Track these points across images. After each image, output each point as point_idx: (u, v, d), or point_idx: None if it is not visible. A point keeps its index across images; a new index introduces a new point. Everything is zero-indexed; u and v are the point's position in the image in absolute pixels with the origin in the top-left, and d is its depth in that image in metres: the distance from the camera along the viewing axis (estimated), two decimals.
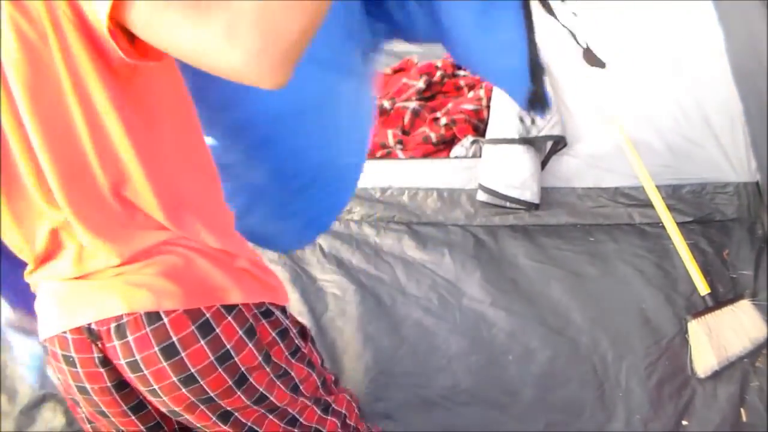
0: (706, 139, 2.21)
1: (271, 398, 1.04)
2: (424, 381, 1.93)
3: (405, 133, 2.83)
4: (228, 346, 0.97)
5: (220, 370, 0.97)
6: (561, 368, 1.89)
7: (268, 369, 1.02)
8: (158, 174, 0.92)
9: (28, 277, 1.01)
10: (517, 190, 2.33)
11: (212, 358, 0.96)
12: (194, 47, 0.73)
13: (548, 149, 2.33)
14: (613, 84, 2.24)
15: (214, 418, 1.01)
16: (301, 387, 1.08)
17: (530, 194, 2.33)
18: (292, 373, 1.06)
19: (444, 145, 2.68)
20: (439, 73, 3.16)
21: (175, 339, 0.94)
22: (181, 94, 0.97)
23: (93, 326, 0.94)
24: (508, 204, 2.35)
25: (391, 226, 2.47)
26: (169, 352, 0.94)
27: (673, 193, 2.24)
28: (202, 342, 0.95)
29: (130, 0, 0.73)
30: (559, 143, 2.30)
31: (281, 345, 1.05)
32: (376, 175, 2.53)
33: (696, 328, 1.79)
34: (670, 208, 2.06)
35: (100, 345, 0.96)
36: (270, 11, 0.72)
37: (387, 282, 2.28)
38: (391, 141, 2.70)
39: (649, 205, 2.11)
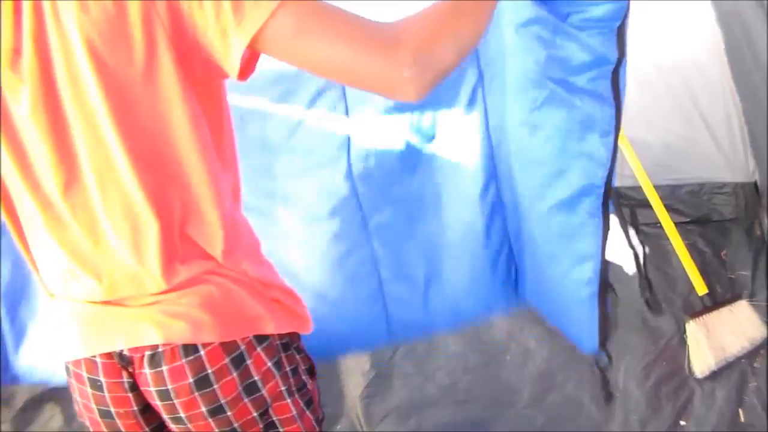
0: (704, 140, 2.21)
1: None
2: (422, 381, 1.93)
3: None
4: (256, 378, 0.96)
5: (246, 401, 0.95)
6: (558, 368, 1.89)
7: (289, 401, 1.01)
8: (221, 199, 0.90)
9: (50, 298, 0.98)
10: None
11: (240, 389, 0.94)
12: (348, 67, 0.76)
13: None
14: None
15: None
16: (308, 426, 1.07)
17: None
18: (296, 413, 1.05)
19: None
20: None
21: (210, 371, 0.92)
22: (227, 110, 0.95)
23: (125, 352, 0.92)
24: None
25: None
26: (203, 383, 0.92)
27: (671, 194, 2.24)
28: (235, 374, 0.94)
29: (273, 20, 0.74)
30: None
31: (291, 380, 1.04)
32: None
33: (694, 328, 1.79)
34: (668, 208, 2.06)
35: (130, 370, 0.94)
36: (435, 41, 0.78)
37: None
38: None
39: (647, 205, 2.11)
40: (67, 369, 0.98)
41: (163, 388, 0.92)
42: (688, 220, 2.22)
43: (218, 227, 0.90)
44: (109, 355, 0.93)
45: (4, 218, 0.93)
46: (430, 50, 0.78)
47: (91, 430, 1.02)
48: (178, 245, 0.89)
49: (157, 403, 0.94)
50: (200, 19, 0.75)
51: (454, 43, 0.81)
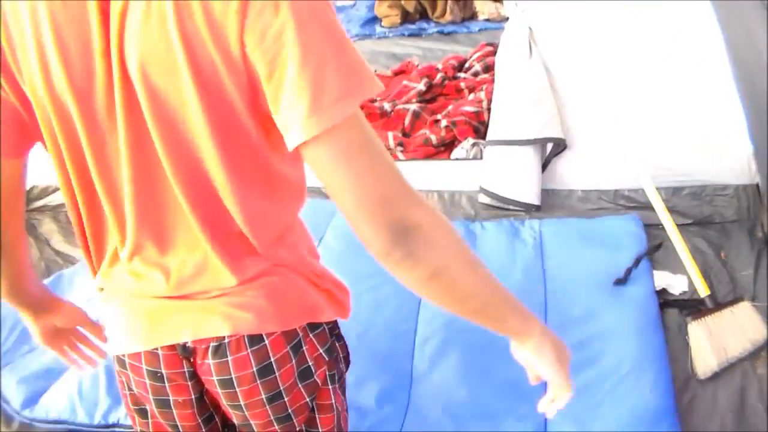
0: (706, 142, 2.21)
1: (318, 424, 1.04)
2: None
3: (405, 135, 2.83)
4: (310, 363, 0.98)
5: (300, 386, 0.98)
6: None
7: (330, 388, 1.03)
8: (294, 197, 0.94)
9: (102, 293, 1.00)
10: (518, 192, 2.33)
11: (296, 374, 0.97)
12: (352, 216, 0.77)
13: (548, 151, 2.33)
14: (614, 87, 2.25)
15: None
16: (341, 416, 1.08)
17: (531, 196, 2.33)
18: (335, 402, 1.06)
19: (444, 147, 2.68)
20: (439, 76, 3.17)
21: (273, 359, 0.94)
22: None
23: (189, 344, 0.93)
24: (509, 206, 2.35)
25: None
26: (266, 371, 0.94)
27: (673, 195, 2.24)
28: (294, 361, 0.96)
29: (322, 144, 0.74)
30: (560, 145, 2.30)
31: (335, 367, 1.05)
32: None
33: (696, 329, 1.79)
34: (670, 210, 2.06)
35: (191, 360, 0.95)
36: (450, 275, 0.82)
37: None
38: (391, 143, 2.70)
39: (649, 207, 2.11)
40: (122, 361, 0.98)
41: (227, 377, 0.93)
42: (690, 221, 2.22)
43: (290, 222, 0.94)
44: (171, 347, 0.94)
45: (70, 215, 0.93)
46: (422, 244, 0.78)
47: (141, 419, 1.04)
48: (248, 242, 0.90)
49: (218, 390, 0.95)
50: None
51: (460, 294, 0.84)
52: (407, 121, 2.88)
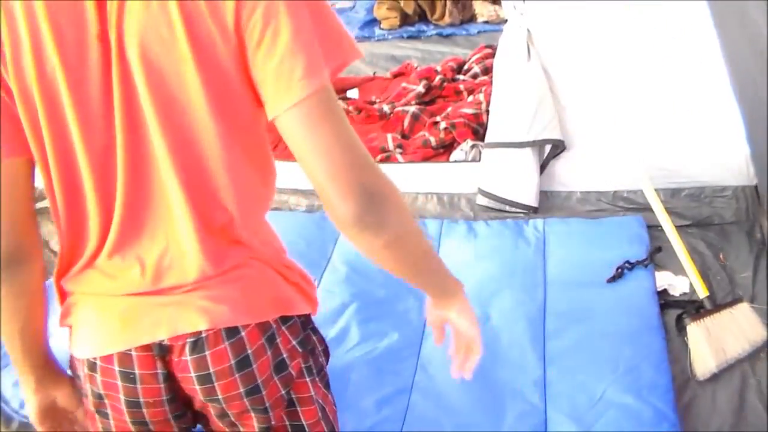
0: (705, 143, 2.21)
1: (301, 416, 1.04)
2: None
3: (404, 137, 2.83)
4: (284, 355, 0.99)
5: (276, 378, 0.99)
6: None
7: (308, 380, 1.04)
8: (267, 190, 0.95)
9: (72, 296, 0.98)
10: (516, 193, 2.34)
11: (272, 367, 0.98)
12: (324, 180, 0.81)
13: (547, 153, 2.34)
14: (614, 89, 2.25)
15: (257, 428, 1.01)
16: (326, 409, 1.08)
17: (529, 198, 2.33)
18: (315, 395, 1.06)
19: (443, 149, 2.68)
20: (438, 78, 3.17)
21: (249, 352, 0.94)
22: None
23: (165, 342, 0.92)
24: (507, 207, 2.36)
25: None
26: (243, 364, 0.94)
27: (671, 197, 2.24)
28: (269, 353, 0.97)
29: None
30: (558, 147, 2.31)
31: (311, 359, 1.06)
32: None
33: (695, 330, 1.79)
34: (669, 211, 2.06)
35: (167, 359, 0.94)
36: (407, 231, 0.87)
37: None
38: (390, 145, 2.71)
39: (648, 208, 2.11)
40: (92, 365, 0.96)
41: (205, 372, 0.94)
42: (688, 223, 2.22)
43: (269, 205, 0.96)
44: (145, 347, 0.93)
45: (53, 217, 0.94)
46: (388, 209, 0.83)
47: (102, 419, 1.01)
48: (229, 233, 0.91)
49: (196, 387, 0.95)
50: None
51: (403, 245, 0.88)
52: (406, 123, 2.89)
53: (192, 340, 0.92)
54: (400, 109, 2.98)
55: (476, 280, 2.04)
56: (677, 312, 1.90)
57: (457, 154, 2.60)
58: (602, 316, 1.88)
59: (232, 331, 0.93)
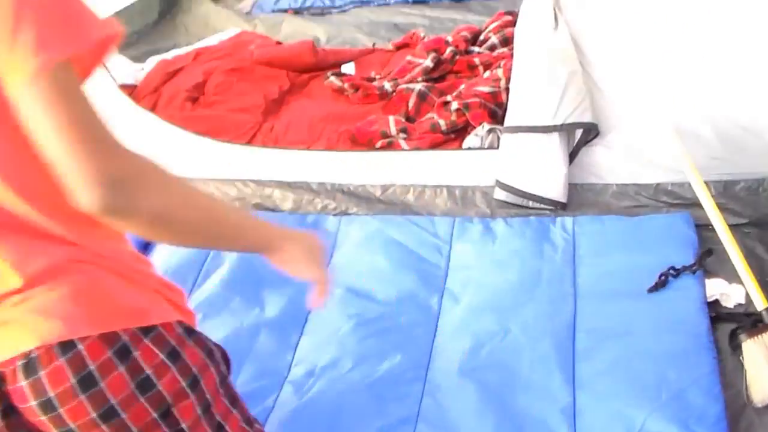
0: (764, 128, 2.21)
1: None
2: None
3: (409, 120, 2.83)
4: (148, 372, 1.00)
5: (142, 400, 1.00)
6: None
7: (193, 398, 1.06)
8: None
9: None
10: (541, 186, 2.33)
11: (132, 386, 0.99)
12: (67, 162, 0.85)
13: (577, 139, 2.33)
14: (656, 63, 2.24)
15: None
16: (225, 426, 1.11)
17: (556, 192, 2.33)
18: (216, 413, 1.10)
19: (455, 134, 2.68)
20: (449, 50, 3.16)
21: (92, 367, 0.96)
22: None
23: None
24: (530, 203, 2.35)
25: None
26: (87, 382, 0.96)
27: (724, 191, 2.24)
28: (122, 368, 0.98)
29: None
30: (590, 132, 2.30)
31: (211, 369, 1.09)
32: (376, 170, 2.52)
33: (752, 348, 1.79)
34: (722, 207, 2.06)
35: (3, 389, 0.96)
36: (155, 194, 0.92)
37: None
38: (393, 129, 2.70)
39: (696, 204, 2.10)
40: None
41: (44, 398, 0.95)
42: (744, 221, 2.22)
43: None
44: None
45: None
46: (139, 192, 0.89)
47: None
48: (29, 229, 0.94)
49: (42, 419, 0.96)
50: None
51: (171, 220, 0.95)
52: (411, 104, 2.88)
53: (22, 362, 0.94)
54: (404, 86, 2.97)
55: (494, 290, 2.04)
56: (731, 326, 1.89)
57: (471, 140, 2.59)
58: (642, 333, 1.87)
59: (68, 346, 0.95)
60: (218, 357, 1.13)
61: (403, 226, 2.32)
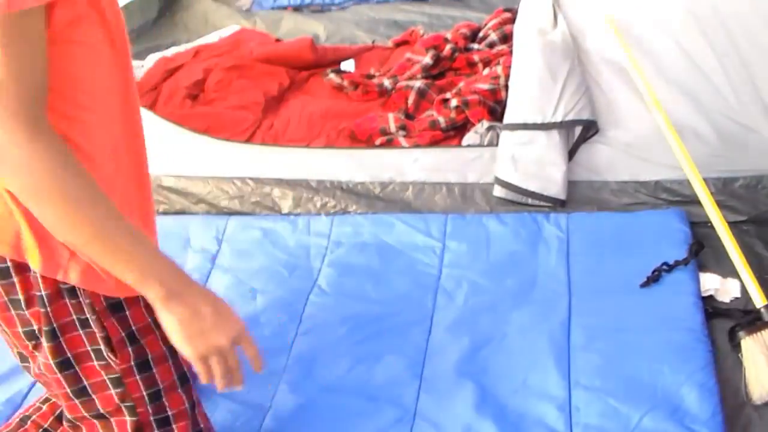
0: (763, 124, 2.21)
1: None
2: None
3: (409, 117, 2.83)
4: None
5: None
6: None
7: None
8: None
9: None
10: (540, 183, 2.33)
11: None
12: None
13: (577, 136, 2.33)
14: (654, 59, 2.24)
15: None
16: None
17: (555, 189, 2.33)
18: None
19: (455, 132, 2.68)
20: (448, 47, 3.16)
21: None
22: None
23: None
24: (529, 200, 2.35)
25: None
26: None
27: (723, 188, 2.24)
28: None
29: None
30: (590, 129, 2.30)
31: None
32: (375, 167, 2.52)
33: (751, 345, 1.78)
34: (720, 205, 2.05)
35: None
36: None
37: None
38: (392, 126, 2.70)
39: (695, 201, 2.10)
40: None
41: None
42: (743, 218, 2.22)
43: None
44: None
45: None
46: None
47: None
48: None
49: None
50: None
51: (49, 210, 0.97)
52: (411, 101, 2.88)
53: None
54: (403, 84, 2.97)
55: (488, 288, 2.05)
56: (726, 322, 1.89)
57: (470, 137, 2.59)
58: (636, 329, 1.88)
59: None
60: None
61: (395, 226, 2.33)
